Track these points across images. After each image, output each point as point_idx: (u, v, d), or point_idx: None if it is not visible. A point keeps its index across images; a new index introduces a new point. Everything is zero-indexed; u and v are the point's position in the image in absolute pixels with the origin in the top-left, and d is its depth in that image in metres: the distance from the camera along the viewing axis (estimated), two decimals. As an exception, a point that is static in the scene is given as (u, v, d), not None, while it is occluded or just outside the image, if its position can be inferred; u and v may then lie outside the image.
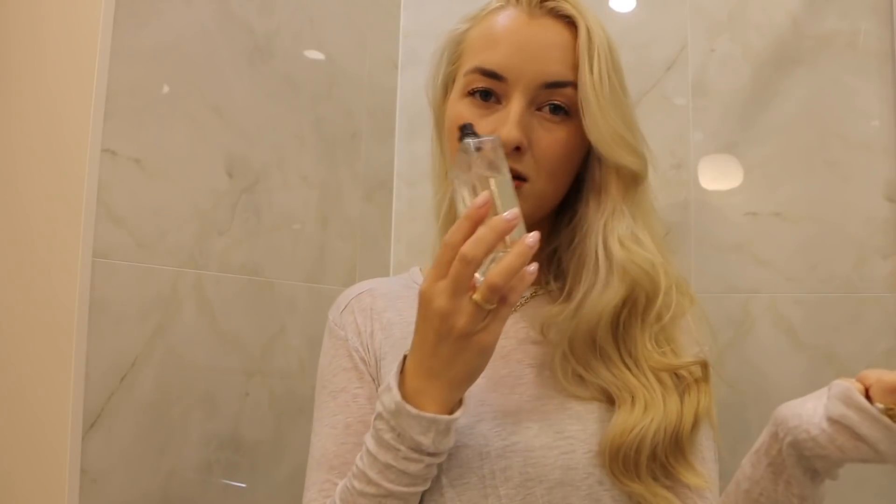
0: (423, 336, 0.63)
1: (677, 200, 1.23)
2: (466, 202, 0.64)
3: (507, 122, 0.73)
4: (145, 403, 0.94)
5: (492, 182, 0.64)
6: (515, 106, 0.73)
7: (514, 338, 0.78)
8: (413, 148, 1.45)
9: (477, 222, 0.60)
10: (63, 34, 0.90)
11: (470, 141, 0.66)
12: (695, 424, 0.72)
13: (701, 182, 1.23)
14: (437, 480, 0.69)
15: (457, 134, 0.70)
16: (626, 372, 0.72)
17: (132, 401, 0.92)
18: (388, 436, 0.64)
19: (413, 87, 1.47)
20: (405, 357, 0.66)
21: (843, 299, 1.13)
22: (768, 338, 1.16)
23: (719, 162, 1.22)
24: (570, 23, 0.76)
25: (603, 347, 0.73)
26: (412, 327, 0.78)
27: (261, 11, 1.13)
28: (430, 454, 0.64)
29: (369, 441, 0.65)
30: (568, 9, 0.76)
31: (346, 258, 1.33)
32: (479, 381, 0.72)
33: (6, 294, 0.89)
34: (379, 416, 0.65)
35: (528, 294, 0.81)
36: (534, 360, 0.76)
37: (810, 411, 0.61)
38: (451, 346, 0.62)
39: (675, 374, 0.73)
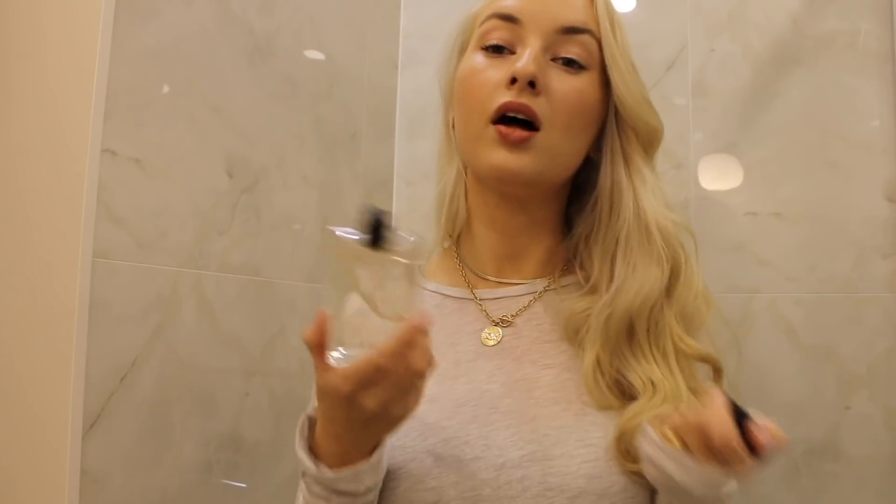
0: (335, 416, 0.60)
1: (677, 200, 1.23)
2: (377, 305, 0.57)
3: (521, 57, 0.69)
4: (145, 403, 0.93)
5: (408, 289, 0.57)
6: (531, 44, 0.70)
7: (528, 337, 0.74)
8: (413, 148, 1.45)
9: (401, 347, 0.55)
10: (63, 34, 0.90)
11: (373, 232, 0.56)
12: None
13: (701, 182, 1.23)
14: (444, 495, 0.66)
15: (472, 87, 0.69)
16: (653, 364, 0.69)
17: (132, 401, 0.92)
18: (316, 489, 0.64)
19: (413, 87, 1.47)
20: (309, 419, 0.65)
21: (843, 299, 1.13)
22: (768, 338, 1.16)
23: (719, 162, 1.22)
24: None
25: (638, 337, 0.70)
26: None
27: (261, 11, 1.13)
28: (364, 491, 0.63)
29: (302, 488, 0.67)
30: None
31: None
32: (490, 386, 0.71)
33: (6, 294, 0.89)
34: (304, 473, 0.65)
35: (540, 288, 0.77)
36: (552, 361, 0.72)
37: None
38: (371, 426, 0.59)
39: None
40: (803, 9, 1.19)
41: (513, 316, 0.75)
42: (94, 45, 0.87)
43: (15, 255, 0.89)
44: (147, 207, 0.94)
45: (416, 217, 1.43)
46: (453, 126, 0.80)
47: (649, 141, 0.75)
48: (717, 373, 0.72)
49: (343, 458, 0.62)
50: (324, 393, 0.59)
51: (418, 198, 1.43)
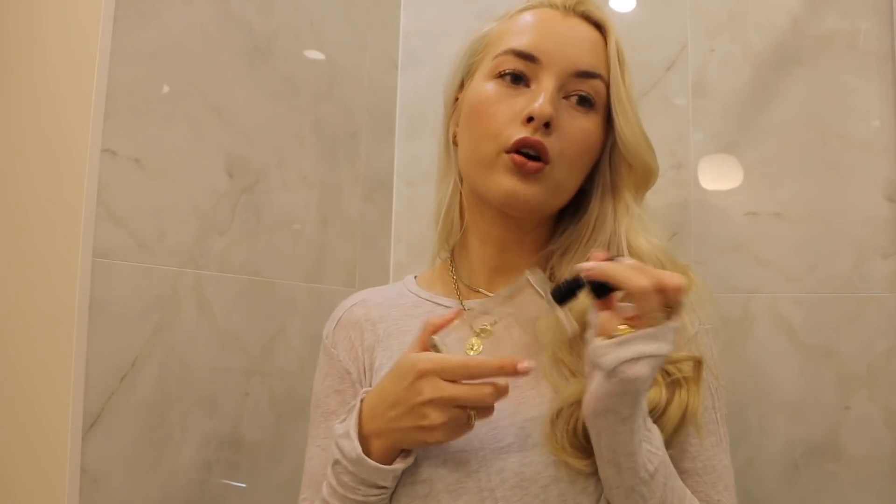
0: (390, 390, 0.67)
1: (677, 200, 1.23)
2: (509, 336, 0.69)
3: (539, 96, 0.73)
4: (145, 403, 0.94)
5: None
6: (548, 84, 0.74)
7: (507, 342, 0.78)
8: (413, 148, 1.45)
9: (501, 372, 0.65)
10: (63, 34, 0.90)
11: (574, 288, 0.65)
12: (680, 424, 0.70)
13: (701, 182, 1.23)
14: (433, 488, 0.70)
15: (486, 116, 0.75)
16: None
17: (132, 401, 0.92)
18: (347, 478, 0.69)
19: (413, 87, 1.46)
20: (361, 401, 0.71)
21: (843, 299, 1.13)
22: (768, 338, 1.16)
23: (719, 162, 1.22)
24: (597, 27, 0.79)
25: None
26: (408, 337, 0.78)
27: (261, 11, 1.13)
28: (388, 488, 0.70)
29: (331, 478, 0.70)
30: (600, 15, 0.80)
31: (346, 258, 1.33)
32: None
33: (6, 294, 0.89)
34: (337, 463, 0.69)
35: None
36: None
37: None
38: (408, 421, 0.66)
39: (664, 369, 0.71)
40: (803, 9, 1.18)
41: (492, 324, 0.79)
42: (94, 46, 0.87)
43: (15, 255, 0.89)
44: (147, 207, 0.94)
45: (416, 217, 1.43)
46: (454, 142, 0.84)
47: (644, 179, 0.80)
48: (697, 368, 0.73)
49: (369, 447, 0.69)
50: (400, 364, 0.67)
51: (418, 198, 1.43)
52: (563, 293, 0.64)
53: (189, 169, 1.01)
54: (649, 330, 0.60)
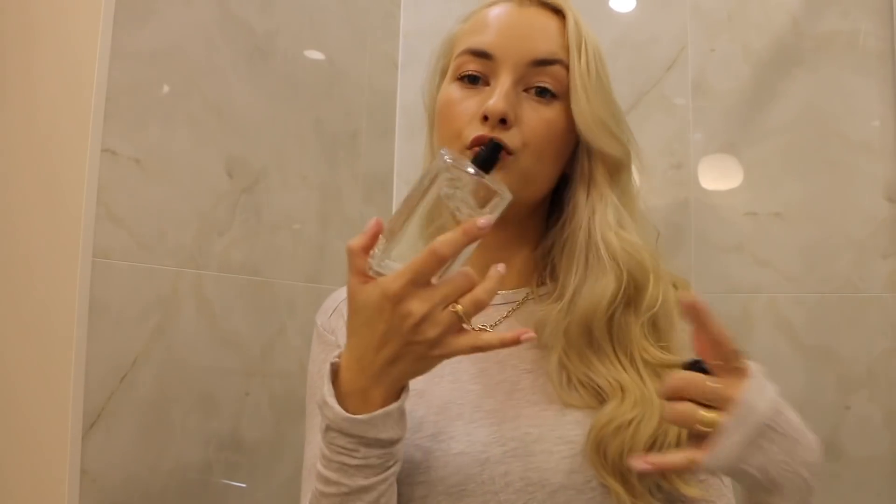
0: (370, 333, 0.59)
1: (677, 200, 1.23)
2: (460, 213, 0.60)
3: (493, 94, 0.73)
4: (145, 403, 0.94)
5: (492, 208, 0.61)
6: (503, 81, 0.74)
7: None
8: (413, 148, 1.45)
9: (472, 241, 0.58)
10: (63, 34, 0.90)
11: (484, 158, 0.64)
12: None
13: (701, 182, 1.23)
14: (433, 489, 0.69)
15: (448, 118, 0.73)
16: (619, 368, 0.71)
17: (132, 401, 0.92)
18: (341, 440, 0.61)
19: (413, 87, 1.47)
20: (336, 363, 0.62)
21: (843, 299, 1.13)
22: (768, 338, 1.16)
23: (719, 162, 1.22)
24: (557, 13, 0.78)
25: (599, 342, 0.72)
26: None
27: (261, 11, 1.13)
28: (389, 442, 0.61)
29: (324, 449, 0.62)
30: (557, 1, 0.78)
31: (345, 258, 1.32)
32: (474, 387, 0.73)
33: (6, 294, 0.89)
34: (328, 428, 0.61)
35: (520, 298, 0.80)
36: (531, 365, 0.75)
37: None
38: (407, 350, 0.58)
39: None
40: (803, 9, 1.19)
41: (492, 326, 0.78)
42: (93, 46, 0.87)
43: (15, 255, 0.89)
44: (147, 207, 0.94)
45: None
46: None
47: (614, 166, 0.78)
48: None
49: (368, 401, 0.60)
50: (362, 305, 0.58)
51: (418, 198, 1.43)
52: (485, 161, 0.63)
53: (189, 169, 1.01)
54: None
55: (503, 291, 0.80)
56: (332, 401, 0.61)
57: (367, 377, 0.60)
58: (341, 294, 0.86)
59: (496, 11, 0.78)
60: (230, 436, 1.07)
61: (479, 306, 0.58)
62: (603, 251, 0.74)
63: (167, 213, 0.97)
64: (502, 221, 0.79)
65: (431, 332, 0.57)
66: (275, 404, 1.15)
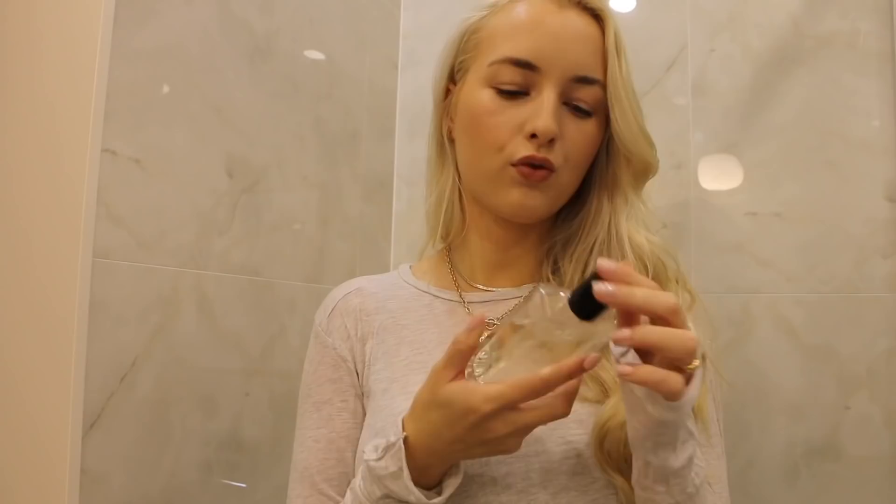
0: (448, 430, 0.61)
1: (677, 200, 1.23)
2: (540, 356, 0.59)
3: (541, 112, 0.71)
4: (145, 404, 0.93)
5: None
6: (550, 96, 0.72)
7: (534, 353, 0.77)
8: (413, 148, 1.45)
9: (566, 379, 0.58)
10: (63, 34, 0.90)
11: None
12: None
13: (701, 182, 1.23)
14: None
15: (487, 127, 0.72)
16: None
17: (132, 401, 0.92)
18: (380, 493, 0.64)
19: (413, 87, 1.47)
20: (405, 437, 0.63)
21: (843, 299, 1.13)
22: (768, 338, 1.16)
23: (719, 162, 1.22)
24: (594, 17, 0.76)
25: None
26: (406, 331, 0.77)
27: (261, 11, 1.13)
28: None
29: (356, 490, 0.66)
30: (597, 4, 0.76)
31: (345, 258, 1.33)
32: None
33: (6, 294, 0.89)
34: (387, 496, 0.63)
35: (526, 293, 0.80)
36: None
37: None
38: (479, 449, 0.62)
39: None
40: (803, 9, 1.18)
41: (498, 319, 0.78)
42: (93, 46, 0.87)
43: (15, 255, 0.89)
44: (147, 207, 0.94)
45: (416, 217, 1.43)
46: (450, 138, 0.82)
47: (643, 171, 0.79)
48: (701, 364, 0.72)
49: (427, 476, 0.64)
50: (447, 401, 0.60)
51: (418, 198, 1.43)
52: (587, 307, 0.56)
53: (189, 169, 1.01)
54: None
55: (511, 288, 0.81)
56: (417, 491, 0.62)
57: (434, 458, 0.63)
58: (340, 292, 0.85)
59: (533, 10, 0.75)
60: (230, 436, 1.07)
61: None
62: (629, 251, 0.74)
63: (167, 213, 0.97)
64: (520, 226, 0.80)
65: (512, 444, 0.61)
66: (275, 404, 1.15)
